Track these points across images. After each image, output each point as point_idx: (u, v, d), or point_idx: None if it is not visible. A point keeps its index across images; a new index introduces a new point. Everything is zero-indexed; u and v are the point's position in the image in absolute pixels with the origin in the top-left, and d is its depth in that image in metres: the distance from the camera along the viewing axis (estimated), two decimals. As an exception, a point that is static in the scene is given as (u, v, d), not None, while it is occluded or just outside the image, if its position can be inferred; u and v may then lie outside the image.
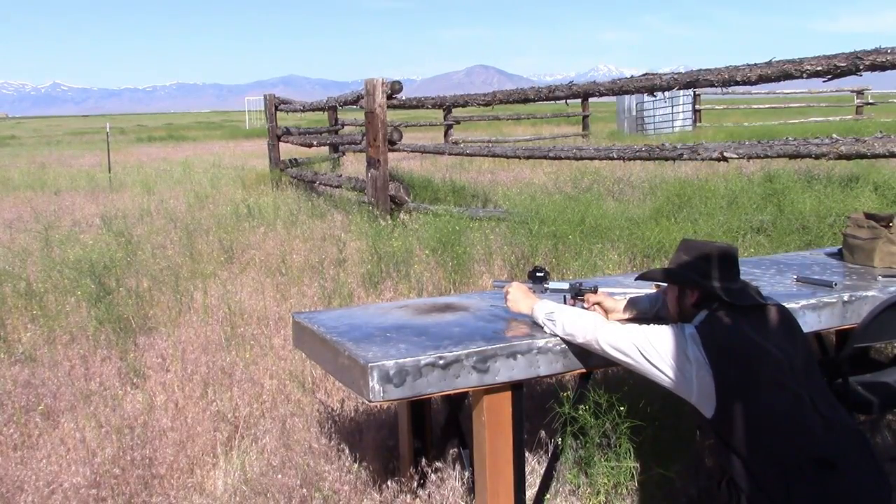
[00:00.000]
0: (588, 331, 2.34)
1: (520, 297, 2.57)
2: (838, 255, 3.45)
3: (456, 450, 2.85)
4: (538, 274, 2.70)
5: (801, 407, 2.10)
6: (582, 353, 2.44)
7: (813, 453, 2.04)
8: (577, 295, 2.66)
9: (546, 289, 2.67)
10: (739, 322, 2.19)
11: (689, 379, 2.15)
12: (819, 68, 4.50)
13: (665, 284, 2.51)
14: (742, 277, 2.36)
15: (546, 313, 2.44)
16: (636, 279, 2.60)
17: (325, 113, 13.58)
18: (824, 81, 4.62)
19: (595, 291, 2.65)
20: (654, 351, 2.21)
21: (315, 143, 12.39)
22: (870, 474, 2.07)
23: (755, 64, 4.76)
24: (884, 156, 4.66)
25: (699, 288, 2.27)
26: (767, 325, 2.23)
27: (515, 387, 2.39)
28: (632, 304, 2.64)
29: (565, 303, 2.60)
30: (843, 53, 4.41)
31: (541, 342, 2.40)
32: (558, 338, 2.42)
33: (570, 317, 2.39)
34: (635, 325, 2.32)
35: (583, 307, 2.61)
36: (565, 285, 2.69)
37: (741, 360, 2.12)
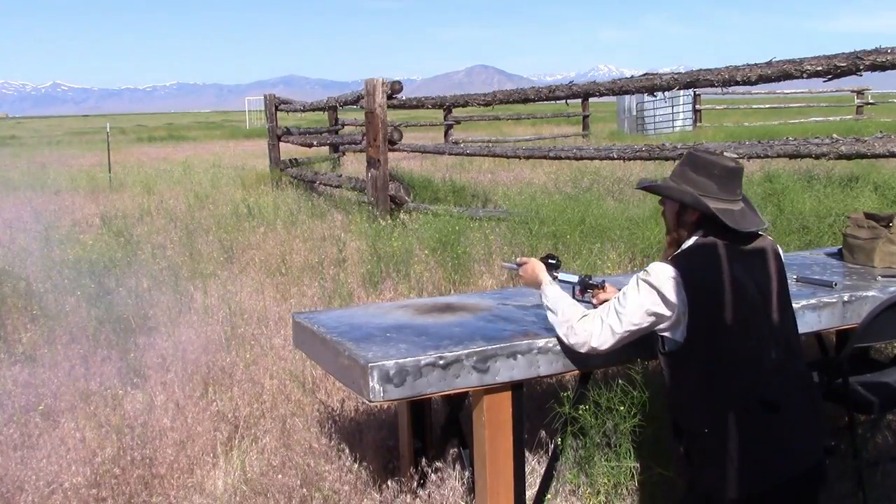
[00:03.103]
0: (570, 336, 2.34)
1: (538, 271, 2.54)
2: (838, 255, 3.45)
3: (456, 450, 2.85)
4: (550, 261, 2.64)
5: (760, 351, 2.15)
6: (582, 353, 2.45)
7: (761, 395, 2.12)
8: (585, 289, 2.64)
9: (555, 277, 2.63)
10: (725, 256, 2.18)
11: (675, 320, 2.17)
12: (819, 68, 4.49)
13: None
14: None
15: (550, 301, 2.43)
16: (636, 188, 2.55)
17: (325, 113, 13.58)
18: (824, 81, 4.62)
19: (603, 287, 2.64)
20: (630, 315, 2.21)
21: (315, 143, 12.39)
22: (808, 419, 2.17)
23: (755, 64, 4.76)
24: (884, 156, 4.66)
25: (699, 209, 2.23)
26: (754, 259, 2.23)
27: (515, 387, 2.39)
28: None
29: (573, 295, 2.58)
30: (843, 53, 4.41)
31: (541, 342, 2.40)
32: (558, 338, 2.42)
33: (559, 319, 2.38)
34: (607, 306, 2.30)
35: (591, 303, 2.59)
36: (574, 278, 2.66)
37: (717, 301, 2.13)
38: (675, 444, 2.28)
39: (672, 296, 2.14)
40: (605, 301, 2.60)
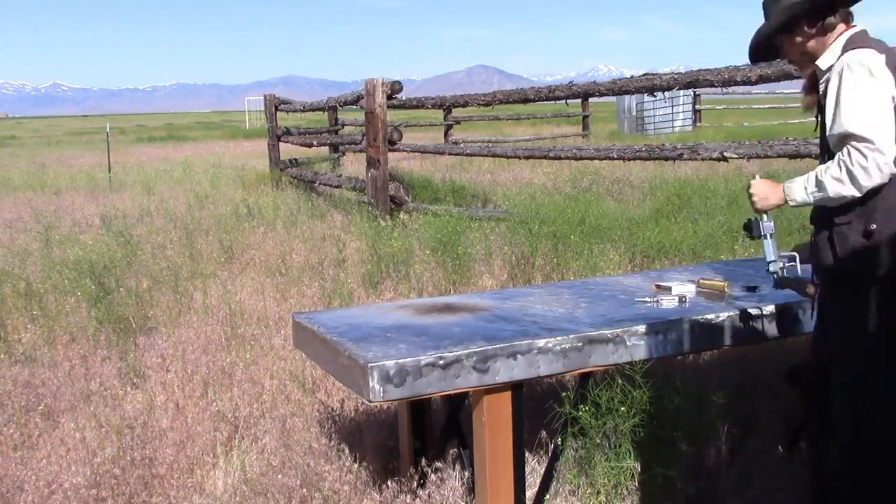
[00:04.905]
0: (845, 173, 2.13)
1: (767, 189, 2.38)
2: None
3: (456, 450, 2.85)
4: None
5: None
6: (582, 353, 2.45)
7: None
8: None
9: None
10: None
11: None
12: (819, 68, 4.49)
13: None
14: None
15: (807, 185, 2.24)
16: (752, 59, 2.45)
17: (325, 113, 13.58)
18: (824, 81, 4.62)
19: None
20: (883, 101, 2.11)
21: (315, 143, 12.39)
22: None
23: (755, 64, 4.75)
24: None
25: (817, 4, 2.19)
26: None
27: (515, 387, 2.40)
28: None
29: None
30: (844, 53, 4.40)
31: (541, 342, 2.40)
32: (559, 338, 2.42)
33: (829, 185, 2.17)
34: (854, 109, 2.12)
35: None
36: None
37: None
38: (860, 226, 2.16)
39: (888, 73, 2.13)
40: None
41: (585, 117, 20.42)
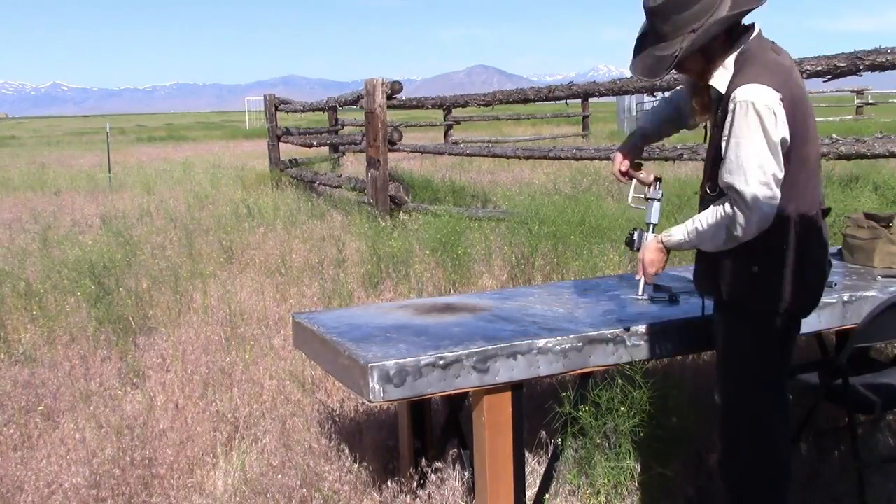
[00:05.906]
0: (725, 232, 2.18)
1: (654, 256, 2.48)
2: (838, 256, 3.44)
3: (456, 450, 2.85)
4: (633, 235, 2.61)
5: (819, 164, 2.29)
6: (582, 353, 2.44)
7: (822, 202, 2.32)
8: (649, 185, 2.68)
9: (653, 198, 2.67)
10: (791, 68, 2.21)
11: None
12: (819, 68, 4.49)
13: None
14: None
15: (688, 233, 2.34)
16: (641, 77, 2.40)
17: (325, 113, 13.58)
18: (824, 81, 4.62)
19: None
20: (774, 161, 2.09)
21: (315, 143, 12.39)
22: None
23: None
24: (884, 156, 4.66)
25: (726, 23, 2.13)
26: (793, 66, 2.25)
27: (515, 387, 2.39)
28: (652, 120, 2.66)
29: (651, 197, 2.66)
30: (843, 53, 4.41)
31: (541, 342, 2.40)
32: (559, 338, 2.42)
33: (714, 232, 2.23)
34: (744, 164, 2.10)
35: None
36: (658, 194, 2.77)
37: (802, 109, 2.17)
38: (743, 265, 2.23)
39: (782, 115, 2.09)
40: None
41: (585, 117, 20.42)
